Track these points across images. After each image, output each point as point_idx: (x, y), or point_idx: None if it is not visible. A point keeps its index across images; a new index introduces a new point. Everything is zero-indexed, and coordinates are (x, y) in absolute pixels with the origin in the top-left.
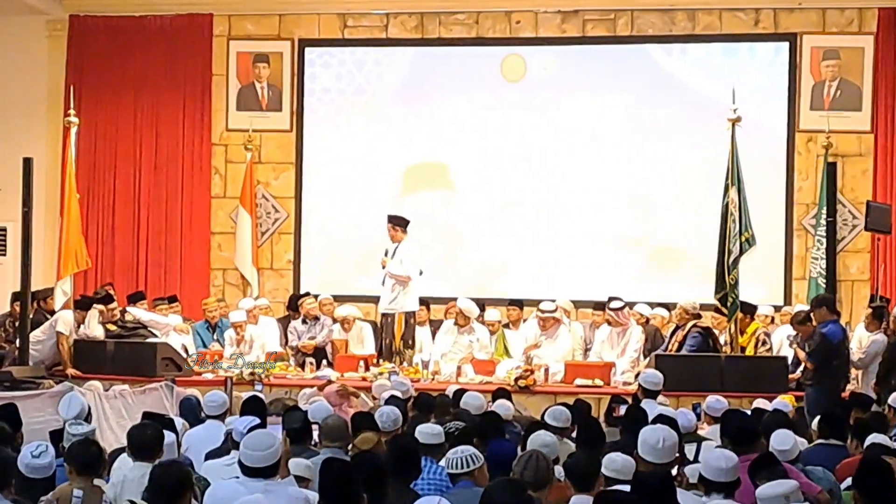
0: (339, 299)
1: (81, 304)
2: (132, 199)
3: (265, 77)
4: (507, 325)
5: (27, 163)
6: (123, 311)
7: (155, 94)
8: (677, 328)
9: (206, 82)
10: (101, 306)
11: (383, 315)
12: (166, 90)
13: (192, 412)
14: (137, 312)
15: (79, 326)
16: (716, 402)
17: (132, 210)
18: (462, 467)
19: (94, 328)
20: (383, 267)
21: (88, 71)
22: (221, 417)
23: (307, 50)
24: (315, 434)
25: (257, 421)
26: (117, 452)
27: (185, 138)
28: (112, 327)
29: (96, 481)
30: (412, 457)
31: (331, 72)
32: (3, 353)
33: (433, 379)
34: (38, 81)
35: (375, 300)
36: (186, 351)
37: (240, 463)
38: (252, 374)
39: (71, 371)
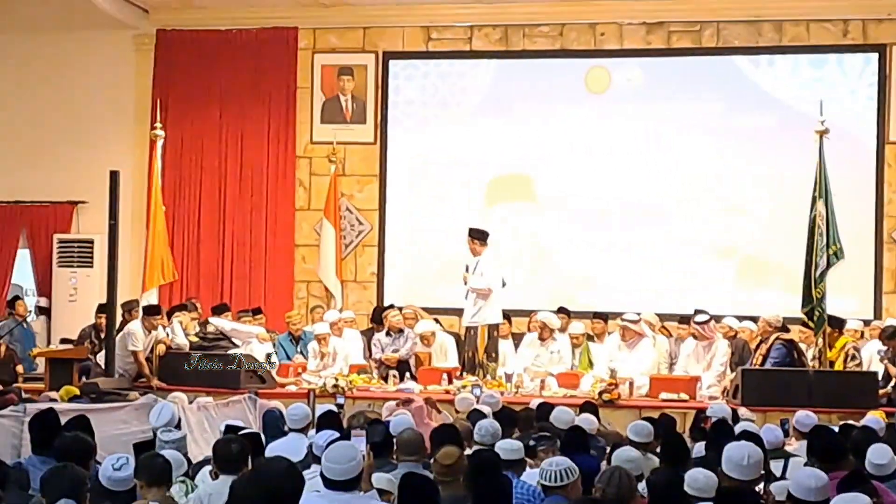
0: (425, 311)
1: (149, 311)
2: (217, 211)
3: (349, 90)
4: (591, 338)
5: (114, 176)
6: (205, 323)
7: (240, 107)
8: (761, 341)
9: (291, 95)
10: (181, 315)
11: (467, 328)
12: (251, 103)
13: (276, 425)
14: (219, 322)
15: (149, 333)
16: (805, 417)
17: (217, 222)
18: (557, 480)
19: (179, 337)
20: (465, 283)
21: (175, 84)
22: (304, 430)
23: (391, 62)
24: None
25: (337, 434)
26: (200, 465)
27: (269, 151)
28: (194, 338)
29: (169, 492)
30: (495, 472)
31: (415, 84)
32: (89, 365)
33: (516, 392)
34: (125, 95)
35: (459, 312)
36: (269, 360)
37: (322, 476)
38: (335, 386)
39: (155, 382)
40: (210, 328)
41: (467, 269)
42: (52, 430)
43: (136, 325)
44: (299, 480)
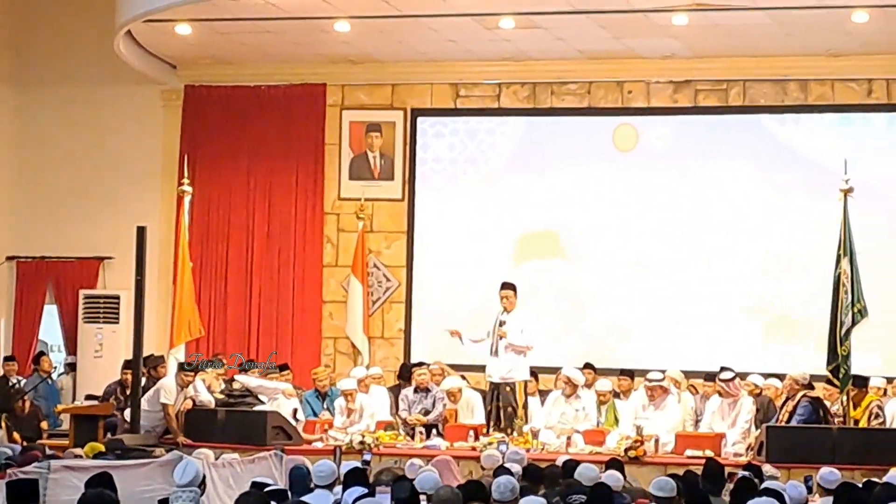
0: (452, 368)
1: (183, 368)
2: (245, 267)
3: (378, 146)
4: (617, 395)
5: (141, 231)
6: (231, 380)
7: (268, 163)
8: (788, 399)
9: (319, 151)
10: (210, 371)
11: (495, 384)
12: (279, 159)
13: (302, 481)
14: (245, 379)
15: (181, 389)
16: (829, 473)
17: (244, 278)
18: None
19: (203, 394)
20: (496, 337)
21: (203, 140)
22: (330, 487)
23: (419, 119)
24: None
25: (365, 491)
26: None
27: (297, 207)
28: (219, 395)
29: None
30: None
31: (443, 141)
32: (114, 422)
33: (542, 449)
34: (152, 150)
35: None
36: (296, 416)
37: None
38: (361, 443)
39: (181, 439)
40: (236, 385)
41: (501, 324)
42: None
43: (169, 380)
44: None
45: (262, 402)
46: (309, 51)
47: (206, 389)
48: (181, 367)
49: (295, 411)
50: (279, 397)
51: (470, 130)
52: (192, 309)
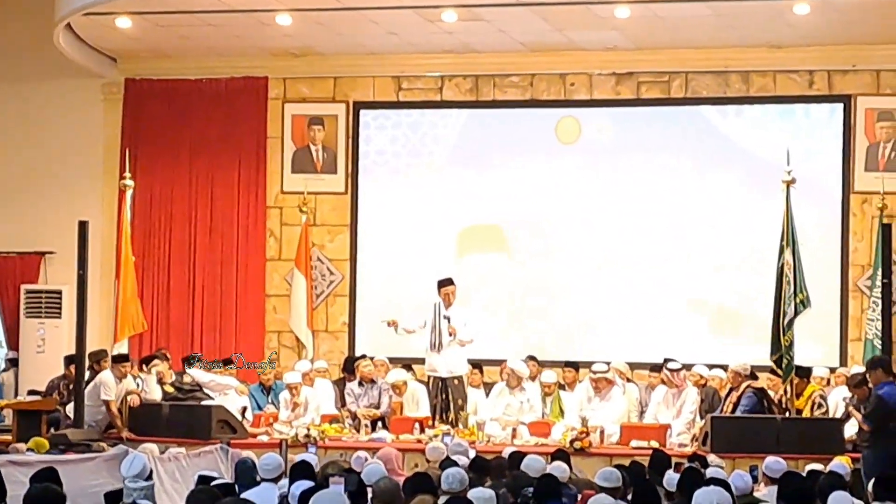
0: (394, 361)
1: (118, 360)
2: (187, 261)
3: (320, 139)
4: (562, 387)
5: (83, 226)
6: (182, 373)
7: (210, 157)
8: (732, 390)
9: (262, 145)
10: (159, 365)
11: (443, 379)
12: (221, 153)
13: (248, 474)
14: (196, 374)
15: (120, 382)
16: (775, 463)
17: (187, 273)
18: None
19: (152, 390)
20: (434, 333)
21: (144, 134)
22: (276, 480)
23: (362, 112)
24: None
25: (312, 484)
26: None
27: (240, 201)
28: (169, 389)
29: None
30: None
31: (386, 134)
32: (57, 416)
33: (488, 441)
34: (93, 144)
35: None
36: (244, 414)
37: None
38: (307, 436)
39: (125, 433)
40: (187, 378)
41: (447, 320)
42: None
43: (107, 375)
44: None
45: (211, 398)
46: (250, 44)
47: (156, 383)
48: (114, 359)
49: (244, 409)
50: (230, 393)
51: (412, 123)
52: (134, 303)
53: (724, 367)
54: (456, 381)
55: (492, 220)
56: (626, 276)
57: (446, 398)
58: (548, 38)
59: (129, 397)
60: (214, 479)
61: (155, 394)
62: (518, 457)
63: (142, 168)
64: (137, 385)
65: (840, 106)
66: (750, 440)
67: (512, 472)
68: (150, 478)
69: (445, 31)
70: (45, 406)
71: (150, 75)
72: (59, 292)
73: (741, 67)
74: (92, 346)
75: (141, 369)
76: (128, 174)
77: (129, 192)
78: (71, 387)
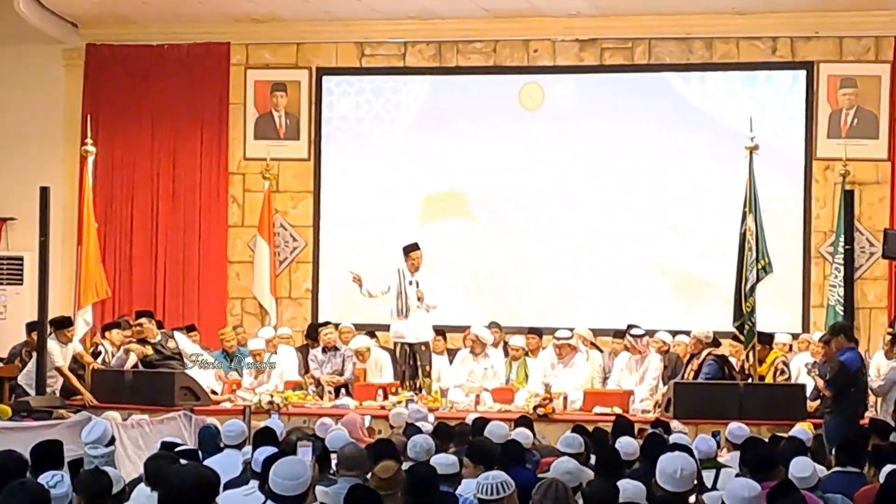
0: (359, 328)
1: (58, 325)
2: (150, 228)
3: (283, 106)
4: (526, 353)
5: (44, 192)
6: (170, 336)
7: (172, 123)
8: (693, 357)
9: (224, 111)
10: (146, 323)
11: (408, 345)
12: (184, 119)
13: (212, 441)
14: (183, 341)
15: (65, 346)
16: (738, 428)
17: (150, 239)
18: (494, 494)
19: (109, 355)
20: (403, 299)
21: (105, 100)
22: (240, 447)
23: (325, 78)
24: (333, 463)
25: (276, 450)
26: (136, 482)
27: (202, 167)
28: (149, 350)
29: None
30: (431, 486)
31: (349, 100)
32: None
33: (451, 407)
34: (55, 111)
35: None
36: (212, 392)
37: (268, 490)
38: (270, 402)
39: (88, 398)
40: (171, 344)
41: (415, 285)
42: None
43: (50, 343)
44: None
45: (187, 368)
46: (213, 9)
47: (112, 350)
48: (54, 324)
49: (212, 391)
50: (208, 373)
51: (376, 90)
52: (97, 270)
53: (688, 334)
54: (423, 347)
55: (455, 187)
56: (590, 242)
57: (414, 364)
58: (511, 5)
59: (88, 363)
60: (178, 445)
61: (117, 361)
62: (481, 423)
63: (104, 134)
64: (100, 353)
65: (803, 73)
66: (712, 406)
67: (475, 438)
68: (111, 444)
69: None
70: (7, 373)
71: (111, 41)
72: (21, 259)
73: (704, 34)
74: (54, 312)
75: (104, 336)
76: (89, 140)
77: (90, 159)
78: (32, 353)
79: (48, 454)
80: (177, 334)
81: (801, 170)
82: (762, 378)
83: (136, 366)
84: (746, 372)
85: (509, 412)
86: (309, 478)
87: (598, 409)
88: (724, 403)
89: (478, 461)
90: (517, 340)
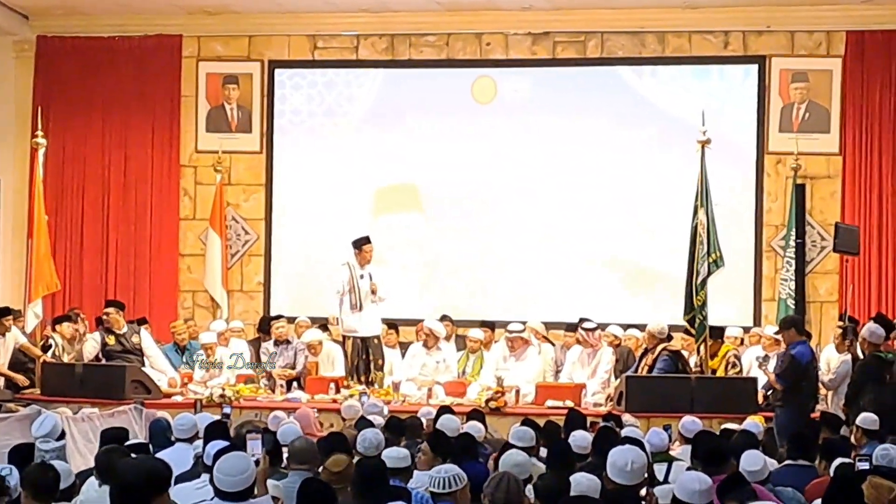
0: (314, 321)
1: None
2: (100, 220)
3: (235, 98)
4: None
5: None
6: (136, 331)
7: (124, 116)
8: (647, 351)
9: (175, 104)
10: (113, 314)
11: (361, 339)
12: (135, 111)
13: (162, 434)
14: (147, 341)
15: (3, 337)
16: (690, 423)
17: (101, 232)
18: (446, 487)
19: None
20: (356, 294)
21: (56, 92)
22: (191, 440)
23: (277, 71)
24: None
25: (227, 444)
26: (85, 475)
27: (154, 160)
28: (111, 340)
29: None
30: (379, 480)
31: (301, 93)
32: None
33: (404, 401)
34: (5, 102)
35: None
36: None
37: (214, 486)
38: (222, 396)
39: (36, 393)
40: (135, 339)
41: (368, 278)
42: None
43: None
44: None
45: (142, 365)
46: (164, 1)
47: (62, 344)
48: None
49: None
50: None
51: (328, 82)
52: (48, 263)
53: (640, 328)
54: (376, 341)
55: (407, 180)
56: (542, 234)
57: (367, 358)
58: None
59: (38, 356)
60: (121, 432)
61: (68, 354)
62: (447, 413)
63: (54, 126)
64: (50, 346)
65: (755, 67)
66: (664, 400)
67: (427, 431)
68: (61, 438)
69: None
70: None
71: (62, 33)
72: None
73: (657, 28)
74: (4, 304)
75: (54, 329)
76: (40, 132)
77: (41, 151)
78: None
79: None
80: (143, 332)
81: (752, 164)
82: (714, 371)
83: (97, 357)
84: (700, 367)
85: (462, 406)
86: (252, 472)
87: (550, 403)
88: (676, 397)
89: (438, 452)
90: (475, 333)
